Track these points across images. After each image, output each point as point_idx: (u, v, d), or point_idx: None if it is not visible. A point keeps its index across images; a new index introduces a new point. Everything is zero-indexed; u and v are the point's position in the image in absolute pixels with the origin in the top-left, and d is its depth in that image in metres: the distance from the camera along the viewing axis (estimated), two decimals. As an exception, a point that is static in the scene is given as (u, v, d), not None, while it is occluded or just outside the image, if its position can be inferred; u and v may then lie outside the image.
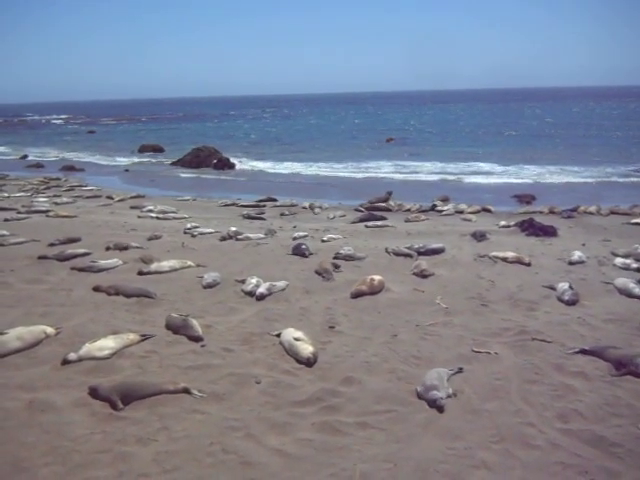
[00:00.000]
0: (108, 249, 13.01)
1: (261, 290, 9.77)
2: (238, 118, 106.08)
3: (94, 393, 6.32)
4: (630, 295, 9.75)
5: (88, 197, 24.15)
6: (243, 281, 10.37)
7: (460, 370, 7.00)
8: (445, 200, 22.15)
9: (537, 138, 51.98)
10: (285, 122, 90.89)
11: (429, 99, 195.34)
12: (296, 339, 7.56)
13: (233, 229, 15.10)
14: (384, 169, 34.81)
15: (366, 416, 6.05)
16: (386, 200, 22.01)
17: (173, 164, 38.47)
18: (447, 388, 6.42)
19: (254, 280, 10.19)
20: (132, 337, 7.83)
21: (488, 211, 19.99)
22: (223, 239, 14.48)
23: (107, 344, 7.48)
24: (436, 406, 6.10)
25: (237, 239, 14.42)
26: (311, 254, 12.56)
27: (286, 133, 66.76)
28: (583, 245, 13.75)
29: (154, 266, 11.37)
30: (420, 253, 12.64)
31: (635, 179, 28.57)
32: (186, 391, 6.47)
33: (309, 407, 6.24)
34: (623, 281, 10.18)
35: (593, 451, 5.43)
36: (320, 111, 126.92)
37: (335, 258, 12.14)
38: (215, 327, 8.40)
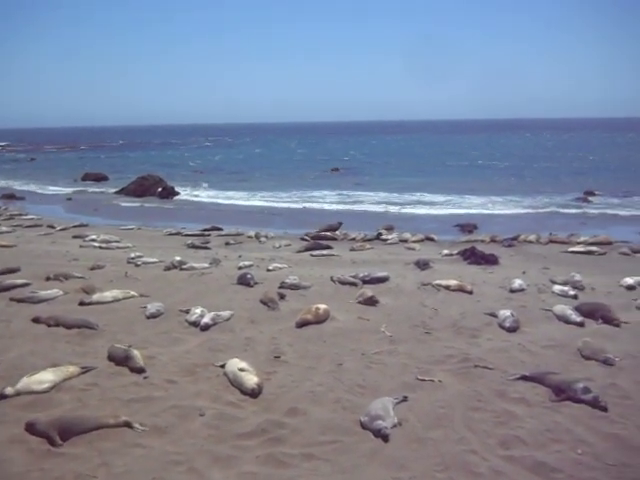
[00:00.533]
0: (48, 279, 12.70)
1: (205, 320, 9.67)
2: (180, 146, 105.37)
3: (31, 429, 6.11)
4: (568, 321, 9.99)
5: (28, 226, 23.59)
6: (187, 311, 10.25)
7: (405, 399, 7.02)
8: (389, 229, 22.42)
9: (478, 169, 53.27)
10: (228, 151, 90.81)
11: (375, 129, 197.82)
12: (241, 370, 7.49)
13: (177, 258, 14.94)
14: (328, 198, 35.07)
15: (311, 447, 6.01)
16: (337, 229, 22.22)
17: (117, 193, 38.00)
18: (392, 417, 6.43)
19: (198, 310, 10.08)
20: (72, 369, 7.63)
21: (431, 240, 20.31)
22: (167, 269, 14.30)
23: (46, 377, 7.27)
24: (381, 436, 6.11)
25: (181, 269, 14.26)
26: (256, 283, 12.50)
27: (230, 162, 66.68)
28: (523, 273, 14.07)
29: (96, 296, 11.14)
30: (365, 282, 12.72)
31: (573, 210, 29.44)
32: (127, 425, 6.32)
33: (254, 439, 6.17)
34: (561, 308, 10.43)
35: (534, 477, 5.51)
36: (263, 140, 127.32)
37: (280, 287, 12.11)
38: (158, 358, 8.26)
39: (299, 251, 18.02)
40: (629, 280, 12.67)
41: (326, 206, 32.30)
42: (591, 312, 10.21)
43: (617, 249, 17.96)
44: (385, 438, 6.08)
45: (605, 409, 6.79)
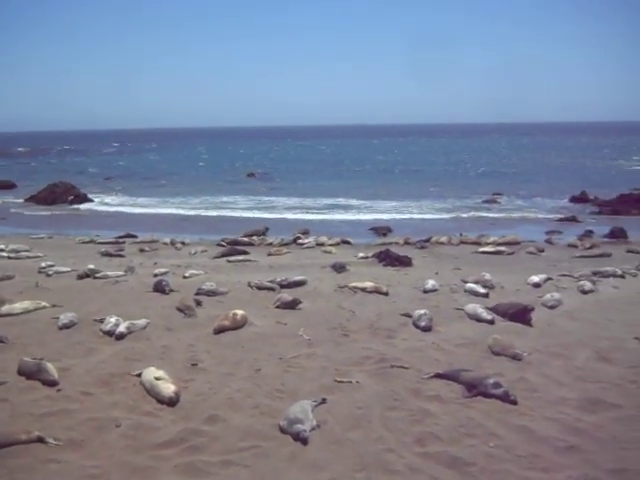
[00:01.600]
0: (-48, 292, 12.13)
1: (120, 329, 9.47)
2: (80, 154, 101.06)
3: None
4: (479, 319, 10.33)
5: None
6: (102, 320, 9.99)
7: (323, 401, 7.09)
8: (306, 233, 22.57)
9: (392, 173, 54.33)
10: (135, 157, 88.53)
11: (293, 135, 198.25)
12: (157, 378, 7.38)
13: (91, 267, 14.55)
14: (242, 204, 34.93)
15: (230, 454, 5.98)
16: (263, 233, 22.28)
17: (27, 201, 36.59)
18: (311, 420, 6.48)
19: (113, 319, 9.85)
20: (-21, 386, 7.33)
21: (347, 243, 20.56)
22: (80, 278, 13.90)
23: (-50, 395, 6.96)
24: (300, 439, 6.14)
25: (95, 277, 13.90)
26: (172, 291, 12.33)
27: (139, 168, 64.98)
28: (436, 274, 14.44)
29: (5, 308, 10.72)
30: (283, 286, 12.75)
31: (483, 212, 30.44)
32: (40, 440, 6.11)
33: (172, 448, 6.09)
34: (472, 306, 10.77)
35: (449, 472, 5.67)
36: (169, 146, 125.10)
37: (197, 294, 11.98)
38: (72, 370, 8.02)
39: (216, 257, 17.89)
40: (535, 278, 13.24)
41: (240, 212, 32.14)
42: (505, 311, 10.54)
43: (524, 248, 18.72)
44: (304, 441, 6.12)
45: (515, 403, 7.06)
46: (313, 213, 31.01)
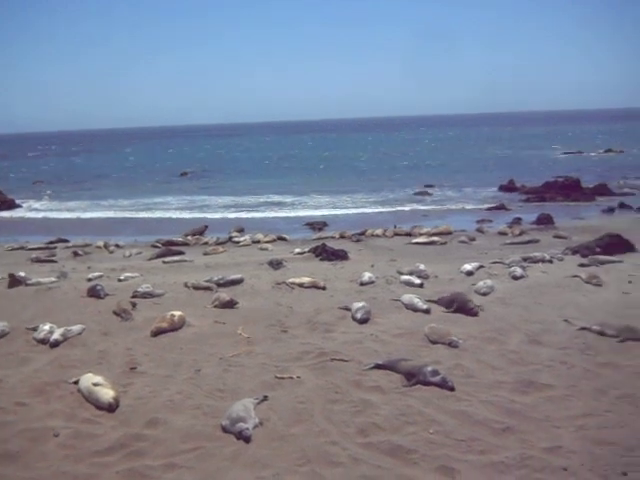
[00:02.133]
0: None
1: (55, 336, 9.23)
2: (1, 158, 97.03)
3: None
4: (415, 309, 10.51)
5: None
6: (35, 328, 9.72)
7: (265, 398, 7.10)
8: (241, 231, 22.49)
9: (328, 168, 54.59)
10: (60, 160, 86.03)
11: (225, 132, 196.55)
12: (95, 384, 7.24)
13: (22, 274, 14.13)
14: (175, 204, 34.48)
15: (173, 457, 5.93)
16: (202, 232, 22.09)
17: (-52, 207, 35.24)
18: (253, 418, 6.48)
19: (47, 326, 9.60)
20: None
21: (283, 239, 20.60)
22: (10, 286, 13.49)
23: None
24: (243, 437, 6.14)
25: (27, 284, 13.50)
26: (107, 295, 12.09)
27: (66, 172, 63.11)
28: (372, 266, 14.61)
29: None
30: (220, 285, 12.68)
31: (416, 205, 30.93)
32: (-27, 455, 5.94)
33: (113, 455, 5.99)
34: (409, 297, 10.95)
35: (392, 460, 5.77)
36: (98, 148, 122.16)
37: (133, 297, 11.79)
38: (6, 381, 7.79)
39: (150, 259, 17.65)
40: (467, 266, 13.56)
41: (173, 212, 31.70)
42: (450, 302, 10.66)
43: (456, 238, 19.13)
44: (247, 439, 6.12)
45: (452, 389, 7.23)
46: (248, 211, 30.91)
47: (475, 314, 10.19)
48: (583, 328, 9.36)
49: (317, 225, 24.06)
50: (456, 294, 10.91)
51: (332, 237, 20.18)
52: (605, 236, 16.19)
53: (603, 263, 14.20)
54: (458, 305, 10.42)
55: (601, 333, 9.12)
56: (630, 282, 12.34)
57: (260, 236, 20.80)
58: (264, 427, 6.43)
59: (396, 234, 20.47)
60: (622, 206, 26.64)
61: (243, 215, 29.47)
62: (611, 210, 26.27)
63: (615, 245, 15.72)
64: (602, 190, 31.25)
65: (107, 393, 7.06)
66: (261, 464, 5.75)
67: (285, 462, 5.77)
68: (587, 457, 5.76)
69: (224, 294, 11.54)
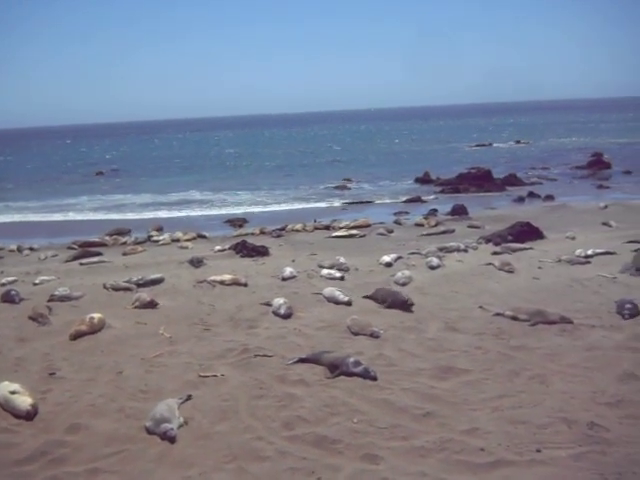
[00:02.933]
0: None
1: (-34, 346, 8.91)
2: None
3: None
4: (337, 302, 10.67)
5: None
6: (-55, 338, 9.36)
7: (189, 397, 7.07)
8: (160, 230, 22.15)
9: (245, 165, 54.35)
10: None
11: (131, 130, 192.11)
12: (12, 392, 7.01)
13: None
14: (90, 205, 33.48)
15: (96, 462, 5.83)
16: (127, 232, 21.74)
17: None
18: (178, 418, 6.45)
19: (-43, 336, 9.25)
20: None
21: (203, 237, 20.41)
22: None
23: None
24: (167, 438, 6.10)
25: None
26: (23, 299, 11.71)
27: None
28: (293, 261, 14.68)
29: None
30: (140, 285, 12.49)
31: (335, 198, 31.23)
32: None
33: (33, 464, 5.83)
34: (330, 290, 11.10)
35: (317, 451, 5.86)
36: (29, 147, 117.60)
37: (50, 300, 11.47)
38: None
39: (67, 261, 17.16)
40: (386, 258, 13.84)
41: (87, 213, 30.75)
42: (384, 298, 10.66)
43: (375, 230, 19.44)
44: (172, 439, 6.09)
45: (375, 378, 7.39)
46: (167, 210, 30.41)
47: (409, 308, 10.21)
48: (497, 314, 9.74)
49: (237, 222, 23.97)
50: (392, 292, 10.91)
51: (252, 233, 20.16)
52: (516, 224, 16.83)
53: (515, 251, 14.77)
54: (393, 299, 10.49)
55: (514, 318, 9.51)
56: (540, 268, 12.90)
57: (180, 234, 20.54)
58: (189, 426, 6.41)
59: (316, 228, 20.62)
60: (531, 195, 27.69)
61: (162, 214, 28.98)
62: (521, 199, 27.30)
63: (525, 233, 16.37)
64: (512, 180, 32.41)
65: (25, 401, 6.86)
66: (187, 463, 5.73)
67: (211, 460, 5.77)
68: (503, 436, 6.01)
69: (144, 294, 11.39)
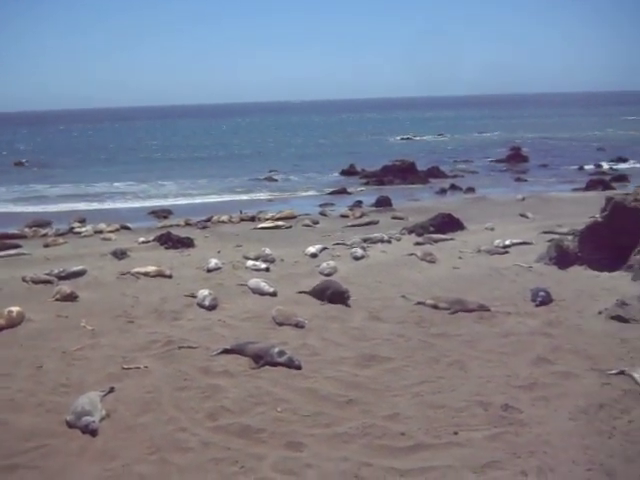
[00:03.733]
0: None
1: None
2: None
3: None
4: (262, 293, 10.74)
5: None
6: None
7: (112, 390, 7.01)
8: (83, 221, 21.60)
9: (172, 156, 53.54)
10: None
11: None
12: None
13: None
14: (7, 196, 31.96)
15: (15, 457, 5.71)
16: (48, 224, 21.04)
17: None
18: (100, 410, 6.39)
19: None
20: None
21: (127, 229, 20.00)
22: None
23: None
24: (89, 431, 6.04)
25: None
26: None
27: None
28: (218, 252, 14.62)
29: None
30: (61, 278, 12.22)
31: (261, 191, 31.17)
32: None
33: (-51, 461, 5.69)
34: (255, 281, 11.15)
35: (241, 441, 5.92)
36: None
37: (-36, 295, 11.10)
38: None
39: (-19, 254, 16.52)
40: (312, 249, 13.98)
41: (4, 205, 29.45)
42: (322, 292, 10.51)
43: (301, 222, 19.52)
44: (93, 432, 6.03)
45: (299, 367, 7.52)
46: (89, 201, 29.56)
47: (347, 304, 10.10)
48: (419, 303, 10.01)
49: (162, 213, 23.58)
50: (328, 282, 10.90)
51: (177, 225, 19.90)
52: (438, 216, 17.24)
53: (436, 241, 15.15)
54: (332, 293, 10.33)
55: (435, 306, 9.80)
56: (460, 258, 13.30)
57: (103, 226, 20.05)
58: (111, 419, 6.37)
59: (242, 220, 20.53)
60: (453, 187, 28.35)
61: (84, 206, 28.16)
62: (443, 191, 27.92)
63: (447, 224, 16.80)
64: (435, 173, 33.09)
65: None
66: (109, 456, 5.69)
67: (134, 452, 5.75)
68: (422, 421, 6.22)
69: (65, 287, 11.17)
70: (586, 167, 35.85)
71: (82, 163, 48.74)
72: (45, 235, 19.31)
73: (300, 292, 10.90)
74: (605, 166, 35.95)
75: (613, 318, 9.00)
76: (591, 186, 26.75)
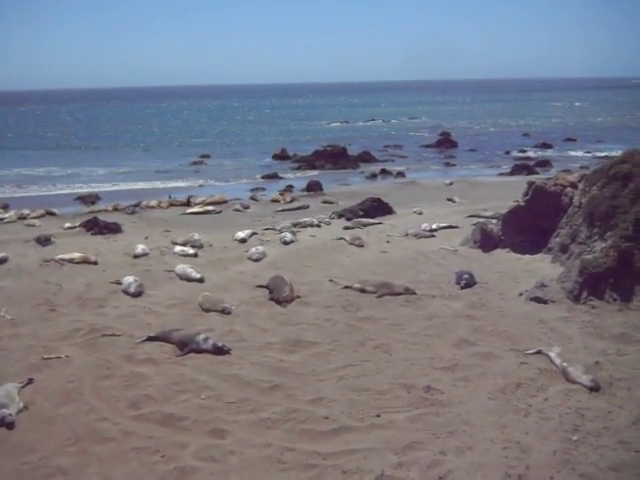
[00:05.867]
0: None
1: None
2: None
3: None
4: (189, 279, 10.64)
5: None
6: None
7: (30, 381, 6.84)
8: (5, 207, 20.88)
9: (106, 141, 52.19)
10: None
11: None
12: None
13: None
14: None
15: None
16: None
17: None
18: (17, 403, 6.23)
19: None
20: None
21: (53, 214, 19.42)
22: None
23: None
24: (5, 424, 5.88)
25: None
26: None
27: None
28: (146, 238, 14.36)
29: None
30: (-21, 266, 11.81)
31: (191, 176, 30.76)
32: None
33: None
34: (182, 267, 11.03)
35: (163, 429, 5.88)
36: None
37: None
38: None
39: None
40: (241, 234, 13.88)
41: None
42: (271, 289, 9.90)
43: (231, 207, 19.36)
44: (10, 425, 5.88)
45: (226, 352, 7.52)
46: (12, 186, 28.50)
47: (285, 305, 9.46)
48: (346, 287, 10.10)
49: (89, 199, 22.99)
50: (276, 279, 10.17)
51: (105, 210, 19.43)
52: (367, 200, 17.37)
53: (365, 225, 15.27)
54: (275, 293, 9.73)
55: (362, 290, 9.90)
56: (388, 242, 13.46)
57: (27, 211, 19.43)
58: (30, 411, 6.23)
59: (172, 205, 20.20)
60: (383, 172, 28.57)
61: (7, 190, 27.17)
62: (374, 176, 28.10)
63: (376, 208, 16.95)
64: (366, 157, 33.31)
65: None
66: (26, 449, 5.57)
67: (53, 444, 5.64)
68: (346, 404, 6.31)
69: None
70: (512, 153, 36.72)
71: (9, 145, 46.96)
72: (-37, 221, 18.58)
73: (258, 286, 10.27)
74: (530, 152, 36.91)
75: (533, 299, 9.29)
76: (516, 171, 27.42)
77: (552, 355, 7.20)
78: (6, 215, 19.07)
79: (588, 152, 36.09)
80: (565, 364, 6.91)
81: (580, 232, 10.60)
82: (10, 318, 8.96)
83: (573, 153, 36.58)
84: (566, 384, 6.66)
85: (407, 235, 13.96)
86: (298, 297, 9.66)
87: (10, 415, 5.94)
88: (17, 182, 29.29)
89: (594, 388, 6.48)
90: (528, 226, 12.11)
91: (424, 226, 14.54)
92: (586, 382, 6.56)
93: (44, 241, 14.23)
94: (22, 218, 18.66)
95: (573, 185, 11.99)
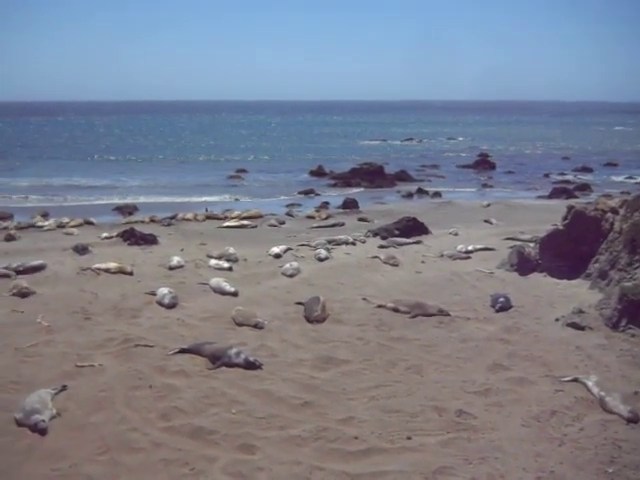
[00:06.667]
0: None
1: None
2: None
3: None
4: (223, 293, 10.67)
5: None
6: None
7: (64, 388, 6.90)
8: (45, 215, 21.27)
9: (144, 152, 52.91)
10: None
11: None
12: None
13: None
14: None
15: (-40, 455, 5.60)
16: (10, 217, 20.61)
17: None
18: (50, 409, 6.28)
19: None
20: None
21: (91, 224, 19.73)
22: None
23: None
24: (38, 429, 5.93)
25: None
26: None
27: None
28: (182, 250, 14.48)
29: None
30: (19, 272, 11.98)
31: (228, 188, 30.96)
32: None
33: None
34: (216, 280, 11.07)
35: (193, 442, 5.87)
36: None
37: None
38: None
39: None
40: (276, 249, 13.90)
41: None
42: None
43: (267, 221, 19.46)
44: (43, 431, 5.92)
45: (259, 367, 7.50)
46: (53, 194, 28.99)
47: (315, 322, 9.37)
48: (379, 306, 10.02)
49: (126, 209, 23.34)
50: (312, 298, 9.99)
51: (142, 221, 19.67)
52: (403, 219, 17.30)
53: (400, 245, 15.19)
54: (305, 309, 9.71)
55: (395, 310, 9.82)
56: (423, 262, 13.35)
57: (66, 220, 19.77)
58: (62, 418, 6.27)
59: (207, 218, 20.40)
60: (420, 192, 28.55)
61: (47, 199, 27.64)
62: (410, 195, 28.06)
63: (412, 228, 16.86)
64: (403, 176, 33.33)
65: None
66: (58, 456, 5.60)
67: (83, 452, 5.67)
68: (377, 425, 6.23)
69: (22, 281, 10.97)
70: (551, 176, 36.34)
71: (46, 156, 47.90)
72: (5, 228, 18.95)
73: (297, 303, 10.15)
74: (569, 176, 36.49)
75: (569, 325, 9.10)
76: (555, 194, 27.11)
77: (589, 384, 7.03)
78: (46, 223, 19.41)
79: (630, 177, 35.52)
80: (602, 393, 6.74)
81: (620, 258, 10.38)
82: (46, 325, 9.07)
83: (614, 178, 36.08)
84: (603, 414, 6.49)
85: (442, 256, 13.85)
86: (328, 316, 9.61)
87: (43, 421, 5.99)
88: (57, 191, 29.84)
89: (632, 419, 6.30)
90: (566, 251, 11.90)
91: (460, 247, 14.41)
92: (624, 412, 6.38)
93: (81, 250, 14.43)
94: (61, 226, 18.99)
95: (614, 210, 11.77)
